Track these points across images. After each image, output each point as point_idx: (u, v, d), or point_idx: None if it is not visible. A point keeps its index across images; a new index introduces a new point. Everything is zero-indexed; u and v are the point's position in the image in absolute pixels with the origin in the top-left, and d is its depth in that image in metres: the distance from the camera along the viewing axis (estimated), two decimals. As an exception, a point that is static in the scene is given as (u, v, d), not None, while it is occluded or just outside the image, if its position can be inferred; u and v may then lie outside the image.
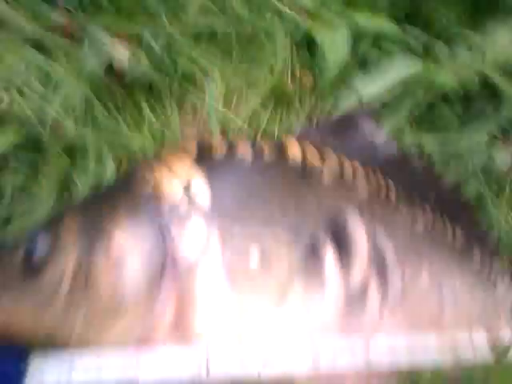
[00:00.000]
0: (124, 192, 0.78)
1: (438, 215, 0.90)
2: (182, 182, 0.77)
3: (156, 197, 0.76)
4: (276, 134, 0.98)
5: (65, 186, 0.90)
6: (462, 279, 0.87)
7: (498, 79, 1.00)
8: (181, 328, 0.72)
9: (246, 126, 0.97)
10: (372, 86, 1.00)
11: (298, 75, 1.01)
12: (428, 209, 0.89)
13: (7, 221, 0.89)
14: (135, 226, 0.74)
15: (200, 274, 0.74)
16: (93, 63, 0.90)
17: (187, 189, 0.77)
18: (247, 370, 0.71)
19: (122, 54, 0.91)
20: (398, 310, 0.80)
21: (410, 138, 1.01)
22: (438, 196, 0.93)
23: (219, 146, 0.83)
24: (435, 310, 0.84)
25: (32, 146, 0.90)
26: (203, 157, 0.81)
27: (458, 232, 0.91)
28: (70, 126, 0.89)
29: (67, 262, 0.72)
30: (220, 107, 0.98)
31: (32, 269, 0.72)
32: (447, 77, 1.01)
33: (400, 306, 0.81)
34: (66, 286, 0.71)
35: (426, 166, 0.94)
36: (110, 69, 0.93)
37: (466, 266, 0.89)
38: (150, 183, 0.77)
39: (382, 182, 0.88)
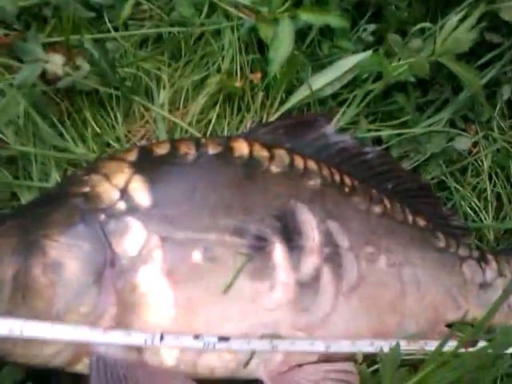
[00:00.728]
0: (60, 196, 0.78)
1: (395, 202, 0.91)
2: (119, 184, 0.78)
3: (92, 199, 0.77)
4: (225, 132, 0.98)
5: (8, 199, 0.90)
6: (423, 263, 0.88)
7: (451, 65, 1.01)
8: (124, 327, 0.73)
9: (193, 126, 0.97)
10: (322, 79, 1.00)
11: (247, 73, 1.01)
12: (384, 196, 0.90)
13: None
14: (71, 229, 0.74)
15: (140, 275, 0.74)
16: (27, 72, 0.90)
17: (124, 190, 0.77)
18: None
19: (55, 61, 0.91)
20: (353, 296, 0.81)
21: (365, 129, 1.01)
22: (396, 182, 0.94)
23: (161, 146, 0.83)
24: (395, 294, 0.85)
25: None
26: (144, 158, 0.82)
27: (419, 216, 0.92)
28: (11, 139, 0.89)
29: (5, 270, 0.72)
30: (167, 110, 0.98)
31: None
32: (399, 65, 1.01)
33: (356, 291, 0.82)
34: (6, 294, 0.71)
35: (383, 154, 0.93)
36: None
37: (428, 250, 0.90)
38: (86, 186, 0.78)
39: (336, 174, 0.88)
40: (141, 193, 0.77)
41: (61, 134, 0.95)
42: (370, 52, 1.01)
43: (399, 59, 1.03)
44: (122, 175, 0.79)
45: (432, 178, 1.04)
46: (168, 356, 0.74)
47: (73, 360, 0.73)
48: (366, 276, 0.83)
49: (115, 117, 0.98)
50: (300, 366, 0.79)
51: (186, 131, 0.97)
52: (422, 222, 0.92)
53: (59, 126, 0.95)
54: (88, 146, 0.95)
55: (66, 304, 0.72)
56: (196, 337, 0.73)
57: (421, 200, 0.95)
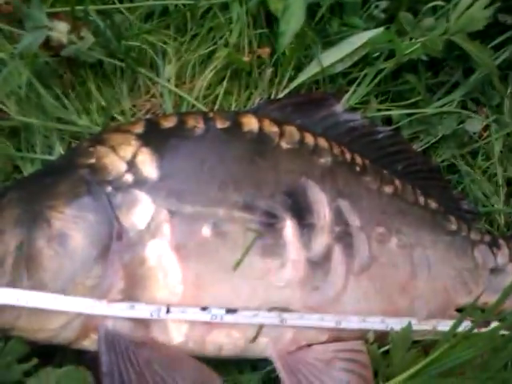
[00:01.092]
0: (65, 167, 0.78)
1: (406, 183, 0.90)
2: (126, 156, 0.77)
3: (99, 171, 0.76)
4: (233, 108, 0.98)
5: (11, 171, 0.89)
6: (435, 246, 0.88)
7: (464, 44, 1.00)
8: (131, 301, 0.73)
9: (200, 101, 0.96)
10: (333, 56, 0.99)
11: (255, 47, 1.00)
12: (395, 177, 0.90)
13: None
14: (77, 200, 0.74)
15: (148, 249, 0.73)
16: (30, 39, 0.89)
17: (132, 163, 0.76)
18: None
19: (60, 28, 0.90)
20: (364, 276, 0.81)
21: (375, 108, 1.00)
22: (407, 164, 0.93)
23: (168, 119, 0.82)
24: (406, 276, 0.84)
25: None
26: (151, 130, 0.81)
27: (430, 198, 0.92)
28: (13, 110, 0.88)
29: (7, 242, 0.71)
30: (173, 85, 0.97)
31: None
32: (412, 43, 1.00)
33: (367, 272, 0.81)
34: (8, 266, 0.71)
35: (393, 135, 0.93)
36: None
37: (439, 233, 0.90)
38: (92, 158, 0.77)
39: (346, 153, 0.88)
40: (148, 166, 0.77)
41: (64, 106, 0.94)
42: (381, 29, 1.00)
43: (411, 38, 1.02)
44: (128, 147, 0.78)
45: (442, 161, 1.04)
46: (176, 333, 0.74)
47: (79, 336, 0.73)
48: (377, 257, 0.83)
49: (120, 90, 0.97)
50: (309, 345, 0.78)
51: (193, 106, 0.96)
52: (433, 204, 0.92)
53: (63, 97, 0.94)
54: (92, 119, 0.94)
55: (71, 277, 0.71)
56: (203, 309, 0.73)
57: (431, 182, 0.95)
